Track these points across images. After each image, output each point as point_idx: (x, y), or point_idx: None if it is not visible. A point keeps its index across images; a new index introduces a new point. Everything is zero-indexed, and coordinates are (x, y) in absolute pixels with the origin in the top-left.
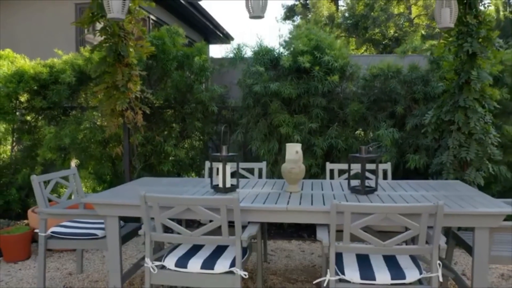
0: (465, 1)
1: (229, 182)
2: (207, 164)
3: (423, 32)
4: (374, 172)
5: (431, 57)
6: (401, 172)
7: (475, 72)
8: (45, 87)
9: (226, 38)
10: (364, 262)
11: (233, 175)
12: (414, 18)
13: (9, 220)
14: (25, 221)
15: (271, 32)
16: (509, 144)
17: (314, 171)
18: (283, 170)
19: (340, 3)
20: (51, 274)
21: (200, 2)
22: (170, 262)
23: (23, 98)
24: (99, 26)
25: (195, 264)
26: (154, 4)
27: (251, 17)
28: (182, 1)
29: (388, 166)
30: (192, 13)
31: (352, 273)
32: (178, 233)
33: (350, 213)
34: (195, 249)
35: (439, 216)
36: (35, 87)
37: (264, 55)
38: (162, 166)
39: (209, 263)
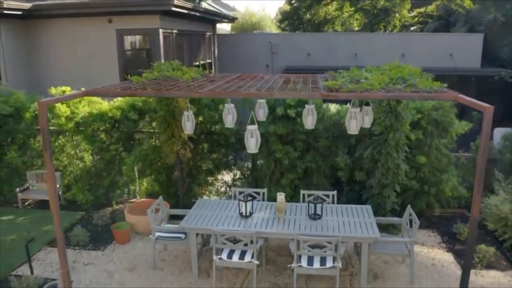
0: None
1: (248, 210)
2: (235, 191)
3: None
4: (327, 196)
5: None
6: (353, 181)
7: (391, 135)
8: (117, 121)
9: (232, 20)
10: (311, 258)
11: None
12: None
13: (104, 209)
14: (109, 208)
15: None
16: (420, 167)
17: (297, 183)
18: (275, 205)
19: None
20: (150, 250)
21: None
22: (224, 256)
23: (101, 126)
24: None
25: (235, 256)
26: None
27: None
28: (198, 14)
29: (334, 192)
30: (206, 17)
31: (304, 263)
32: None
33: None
34: (232, 251)
35: (339, 241)
36: (111, 122)
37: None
38: (199, 175)
39: (241, 257)
